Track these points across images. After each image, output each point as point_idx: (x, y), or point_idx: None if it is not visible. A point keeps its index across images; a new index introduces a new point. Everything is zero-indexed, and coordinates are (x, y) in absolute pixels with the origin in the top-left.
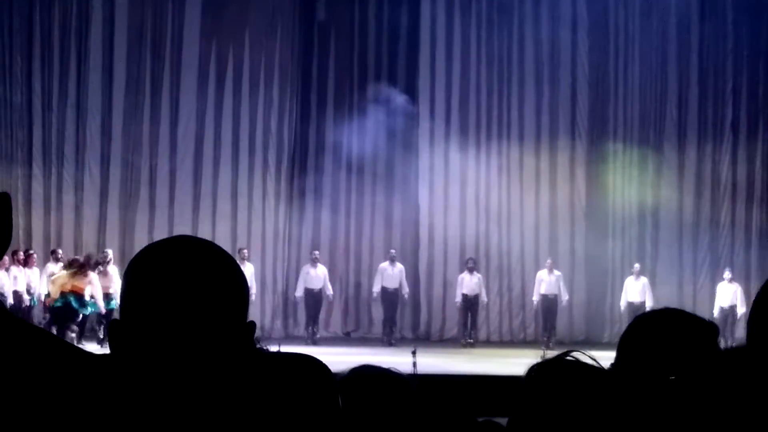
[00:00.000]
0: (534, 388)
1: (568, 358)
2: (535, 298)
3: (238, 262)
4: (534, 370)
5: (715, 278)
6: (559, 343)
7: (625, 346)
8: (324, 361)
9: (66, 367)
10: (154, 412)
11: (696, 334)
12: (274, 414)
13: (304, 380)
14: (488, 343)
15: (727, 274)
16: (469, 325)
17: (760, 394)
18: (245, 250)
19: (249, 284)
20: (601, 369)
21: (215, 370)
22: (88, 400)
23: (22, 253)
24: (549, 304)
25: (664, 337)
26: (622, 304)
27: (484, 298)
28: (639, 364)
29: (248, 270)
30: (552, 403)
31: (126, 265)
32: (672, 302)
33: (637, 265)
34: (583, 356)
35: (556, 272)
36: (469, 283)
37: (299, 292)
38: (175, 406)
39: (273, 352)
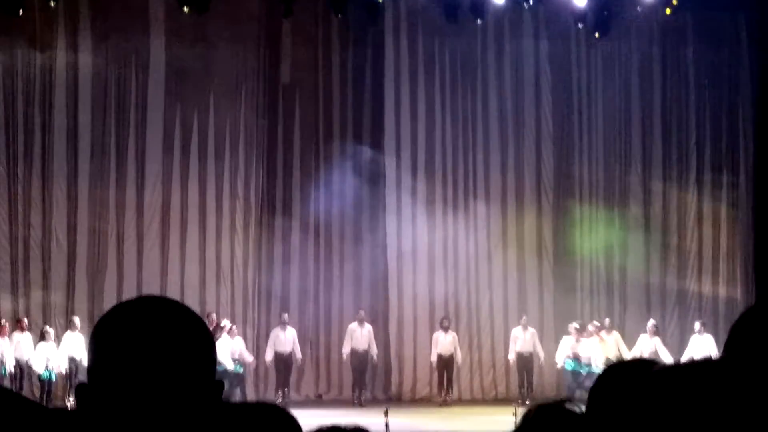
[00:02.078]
0: (530, 428)
1: (567, 406)
2: (511, 356)
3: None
4: (533, 412)
5: (684, 330)
6: (534, 401)
7: (595, 395)
8: None
9: (32, 423)
10: None
11: None
12: None
13: (271, 429)
14: (459, 401)
15: (697, 326)
16: (445, 384)
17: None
18: (213, 315)
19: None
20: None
21: (184, 427)
22: None
23: None
24: (525, 361)
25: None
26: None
27: (459, 356)
28: (610, 414)
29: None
30: None
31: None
32: (643, 355)
33: (607, 320)
34: (583, 407)
35: (531, 329)
36: (444, 342)
37: (269, 357)
38: None
39: (238, 403)
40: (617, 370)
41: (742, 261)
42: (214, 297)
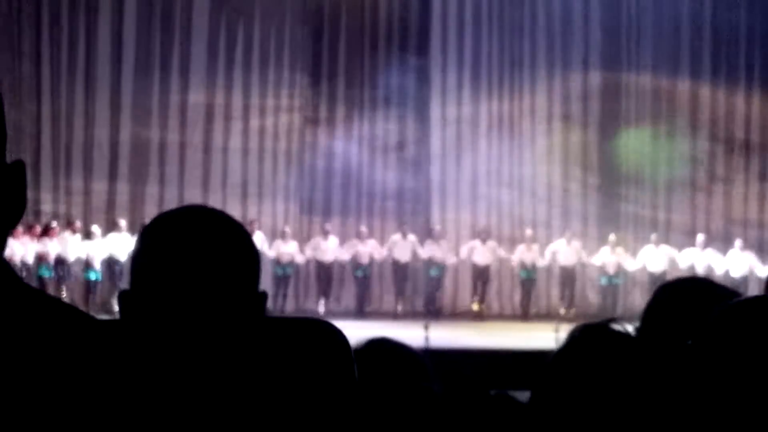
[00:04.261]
0: (576, 350)
1: (613, 326)
2: (546, 261)
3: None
4: (578, 332)
5: (728, 245)
6: (573, 317)
7: (650, 313)
8: None
9: (76, 332)
10: (164, 379)
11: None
12: (288, 381)
13: (319, 346)
14: (501, 316)
15: (738, 243)
16: (480, 295)
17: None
18: (255, 222)
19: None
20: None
21: (227, 338)
22: (97, 366)
23: (39, 227)
24: (568, 274)
25: (690, 304)
26: (634, 270)
27: (496, 266)
28: (663, 332)
29: (258, 239)
30: (592, 369)
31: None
32: (689, 270)
33: (654, 235)
34: (629, 327)
35: (575, 243)
36: (481, 252)
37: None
38: (187, 374)
39: (285, 318)
40: (675, 289)
41: None
42: (256, 206)
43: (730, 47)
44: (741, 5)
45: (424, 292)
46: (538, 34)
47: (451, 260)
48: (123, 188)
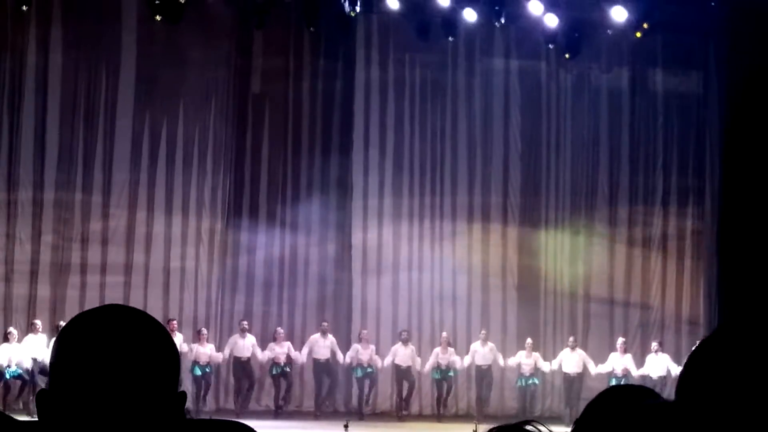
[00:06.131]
0: None
1: (528, 427)
2: (467, 362)
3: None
4: None
5: (645, 353)
6: (491, 417)
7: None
8: None
9: None
10: None
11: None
12: None
13: None
14: (420, 416)
15: (654, 346)
16: (403, 397)
17: None
18: (175, 322)
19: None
20: None
21: None
22: None
23: None
24: (483, 374)
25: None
26: (550, 371)
27: (418, 368)
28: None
29: (177, 340)
30: None
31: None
32: (602, 375)
33: (572, 338)
34: (543, 428)
35: (490, 344)
36: (402, 354)
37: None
38: None
39: (203, 420)
40: (613, 394)
41: (705, 285)
42: (177, 304)
43: (647, 160)
44: (658, 116)
45: (353, 392)
46: (459, 138)
47: (378, 365)
48: (44, 285)
